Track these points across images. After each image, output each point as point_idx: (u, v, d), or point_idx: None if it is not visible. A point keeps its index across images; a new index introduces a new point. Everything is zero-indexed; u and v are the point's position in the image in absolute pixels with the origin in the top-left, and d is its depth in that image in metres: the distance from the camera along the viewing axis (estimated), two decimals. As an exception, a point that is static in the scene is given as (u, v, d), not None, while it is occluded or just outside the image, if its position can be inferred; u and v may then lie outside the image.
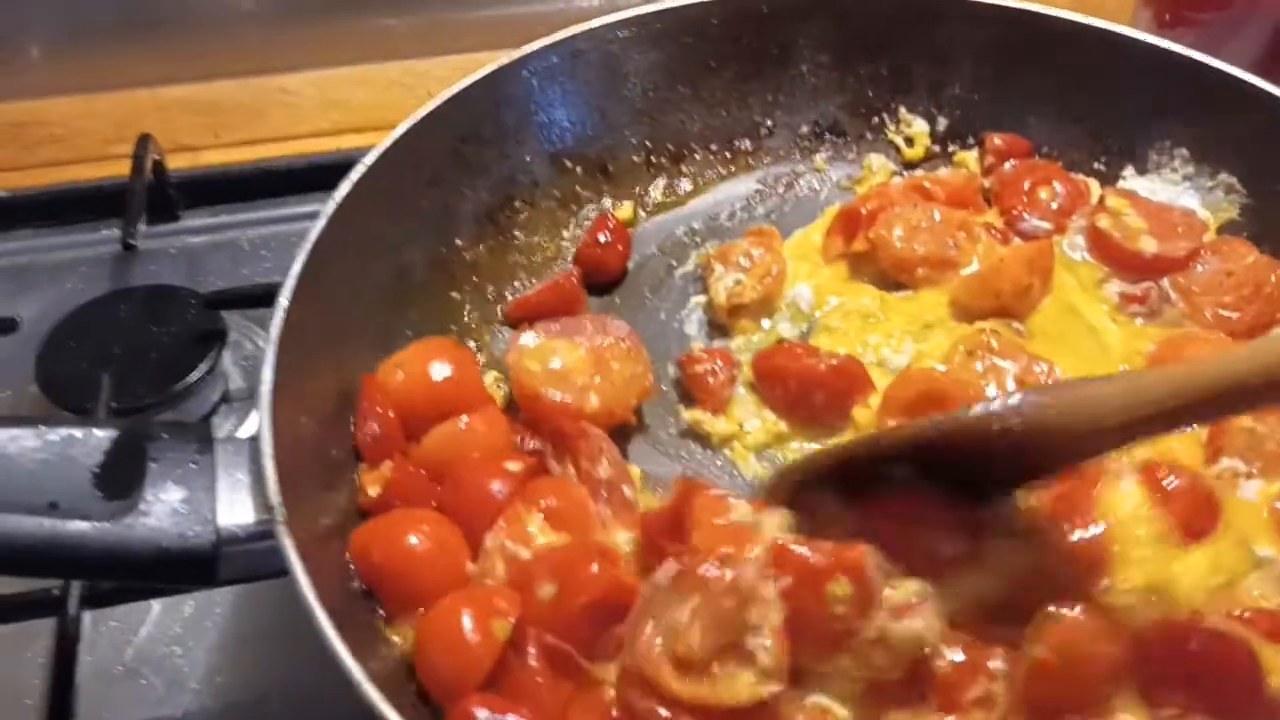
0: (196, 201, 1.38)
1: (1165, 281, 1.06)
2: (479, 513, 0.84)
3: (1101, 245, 1.09)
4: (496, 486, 0.85)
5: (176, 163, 1.40)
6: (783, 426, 0.97)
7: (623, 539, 0.85)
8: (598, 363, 0.96)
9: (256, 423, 0.79)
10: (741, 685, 0.71)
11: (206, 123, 1.50)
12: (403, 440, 0.92)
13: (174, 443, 0.78)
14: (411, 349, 0.97)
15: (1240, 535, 0.86)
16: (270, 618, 1.00)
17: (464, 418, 0.91)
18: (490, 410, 0.93)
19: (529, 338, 0.98)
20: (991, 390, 0.96)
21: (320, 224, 0.92)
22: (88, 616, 0.96)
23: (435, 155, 1.05)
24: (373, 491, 0.88)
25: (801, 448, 0.97)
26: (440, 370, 0.94)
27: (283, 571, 0.72)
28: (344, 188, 0.95)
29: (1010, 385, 0.95)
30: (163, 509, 0.75)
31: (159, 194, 1.35)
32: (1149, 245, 1.06)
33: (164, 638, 0.99)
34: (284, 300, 0.86)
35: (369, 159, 0.98)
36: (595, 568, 0.78)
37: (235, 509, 0.77)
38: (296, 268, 0.89)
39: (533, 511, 0.84)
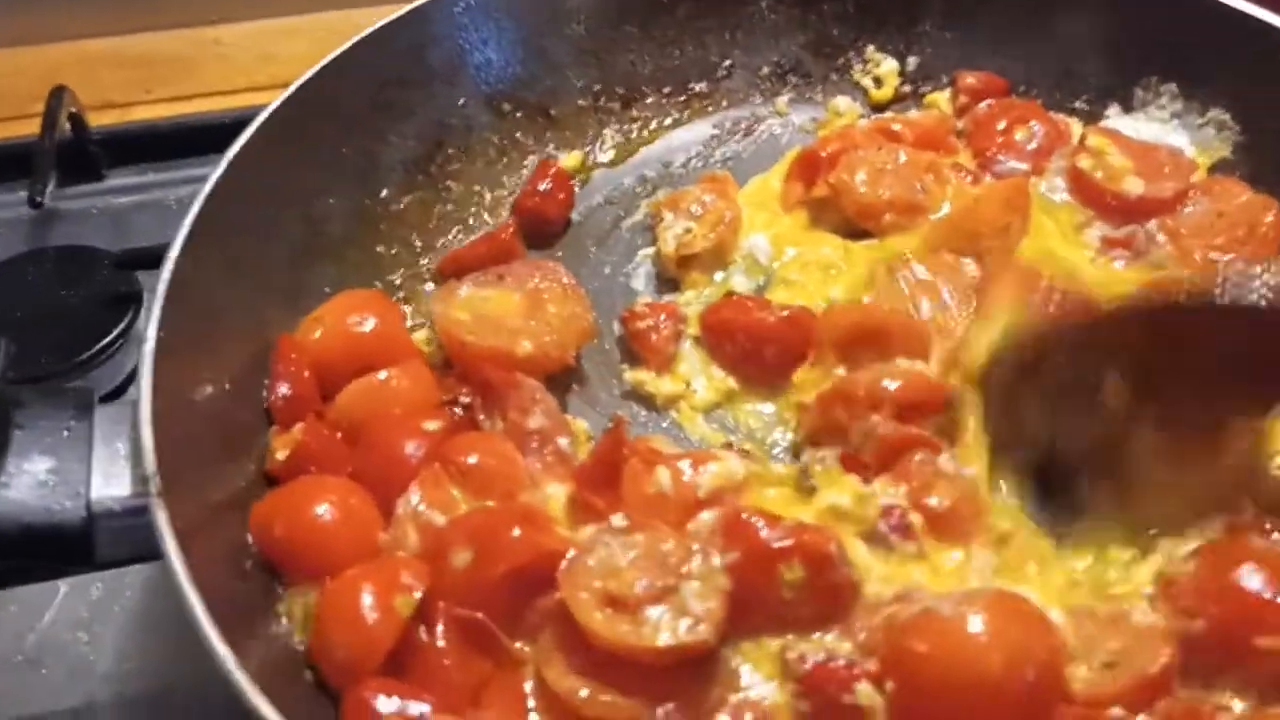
0: (122, 159, 1.30)
1: (1152, 224, 0.97)
2: (392, 477, 0.77)
3: (1083, 186, 1.00)
4: (411, 447, 0.78)
5: (104, 119, 1.32)
6: (732, 384, 0.90)
7: (556, 494, 0.78)
8: (532, 306, 0.90)
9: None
10: (668, 631, 0.66)
11: (136, 77, 1.42)
12: (318, 402, 0.85)
13: (45, 409, 0.71)
14: (333, 302, 0.90)
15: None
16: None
17: (384, 372, 0.83)
18: (414, 365, 0.86)
19: (458, 287, 0.91)
20: (924, 309, 0.88)
21: (219, 171, 0.86)
22: (-18, 601, 0.89)
23: (354, 99, 0.97)
24: (281, 455, 0.81)
25: (754, 409, 0.89)
26: (362, 324, 0.87)
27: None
28: (247, 133, 0.89)
29: (948, 300, 0.87)
30: (27, 480, 0.68)
31: (79, 152, 1.26)
32: (1134, 186, 0.98)
33: (69, 623, 0.92)
34: (174, 251, 0.79)
35: (276, 103, 0.91)
36: (517, 531, 0.70)
37: (111, 481, 0.70)
38: (190, 217, 0.82)
39: (451, 473, 0.76)
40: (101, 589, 0.93)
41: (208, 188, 0.83)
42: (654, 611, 0.67)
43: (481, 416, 0.83)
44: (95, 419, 0.72)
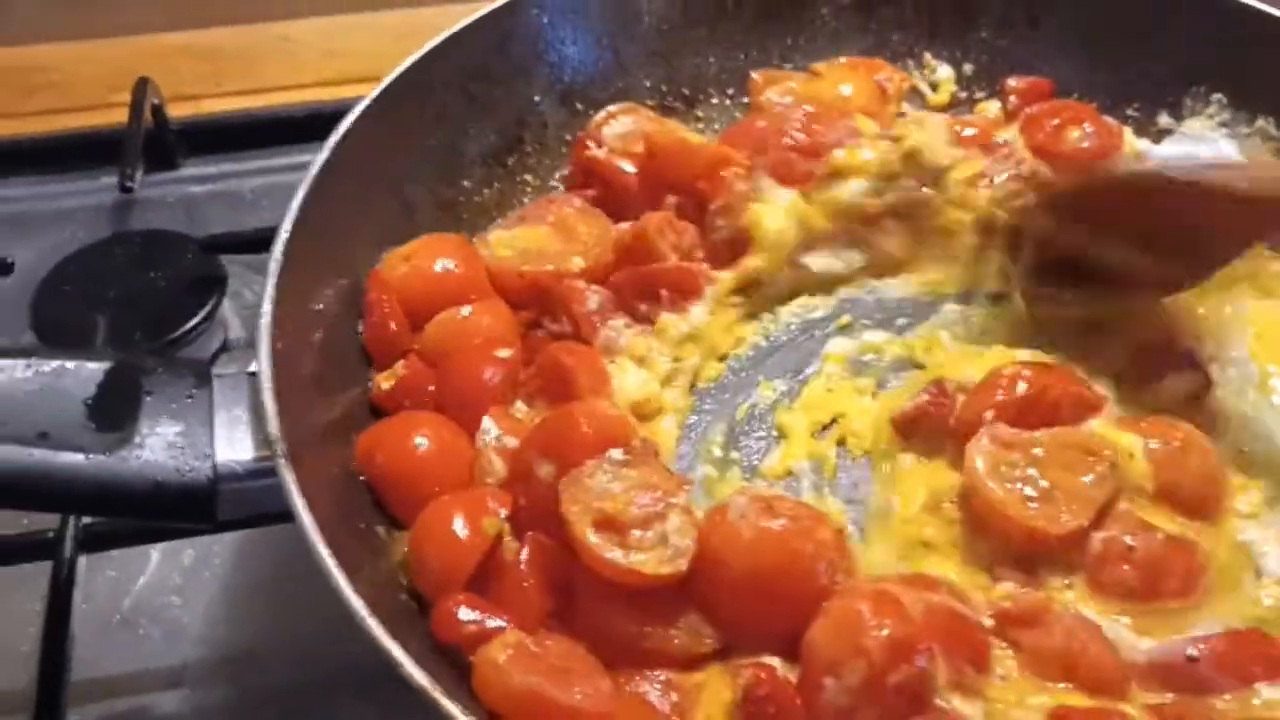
0: (197, 150, 1.35)
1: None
2: (472, 403, 0.83)
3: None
4: (488, 373, 0.85)
5: (177, 111, 1.37)
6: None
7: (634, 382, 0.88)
8: (562, 233, 0.98)
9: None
10: (649, 560, 0.71)
11: (208, 70, 1.47)
12: (409, 336, 0.90)
13: (170, 376, 0.76)
14: (417, 242, 0.95)
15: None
16: (270, 568, 0.97)
17: (466, 307, 0.90)
18: (494, 301, 0.92)
19: (486, 234, 0.99)
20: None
21: (323, 157, 0.90)
22: (84, 564, 0.93)
23: (442, 92, 1.01)
24: (386, 386, 0.87)
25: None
26: (445, 263, 0.93)
27: (282, 514, 0.69)
28: (348, 121, 0.93)
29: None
30: (158, 442, 0.72)
31: (158, 142, 1.31)
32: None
33: (162, 588, 0.97)
34: (284, 232, 0.83)
35: (375, 92, 0.96)
36: (585, 428, 0.76)
37: (234, 445, 0.74)
38: (298, 199, 0.86)
39: (537, 384, 0.85)
40: (192, 556, 0.98)
41: (314, 169, 0.87)
42: (639, 537, 0.72)
43: (554, 327, 0.91)
44: (213, 387, 0.77)
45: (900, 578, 0.75)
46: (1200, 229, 0.88)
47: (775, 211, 0.97)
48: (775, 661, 0.72)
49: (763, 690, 0.69)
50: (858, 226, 0.99)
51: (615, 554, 0.70)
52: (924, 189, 0.99)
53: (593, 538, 0.71)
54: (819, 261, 1.00)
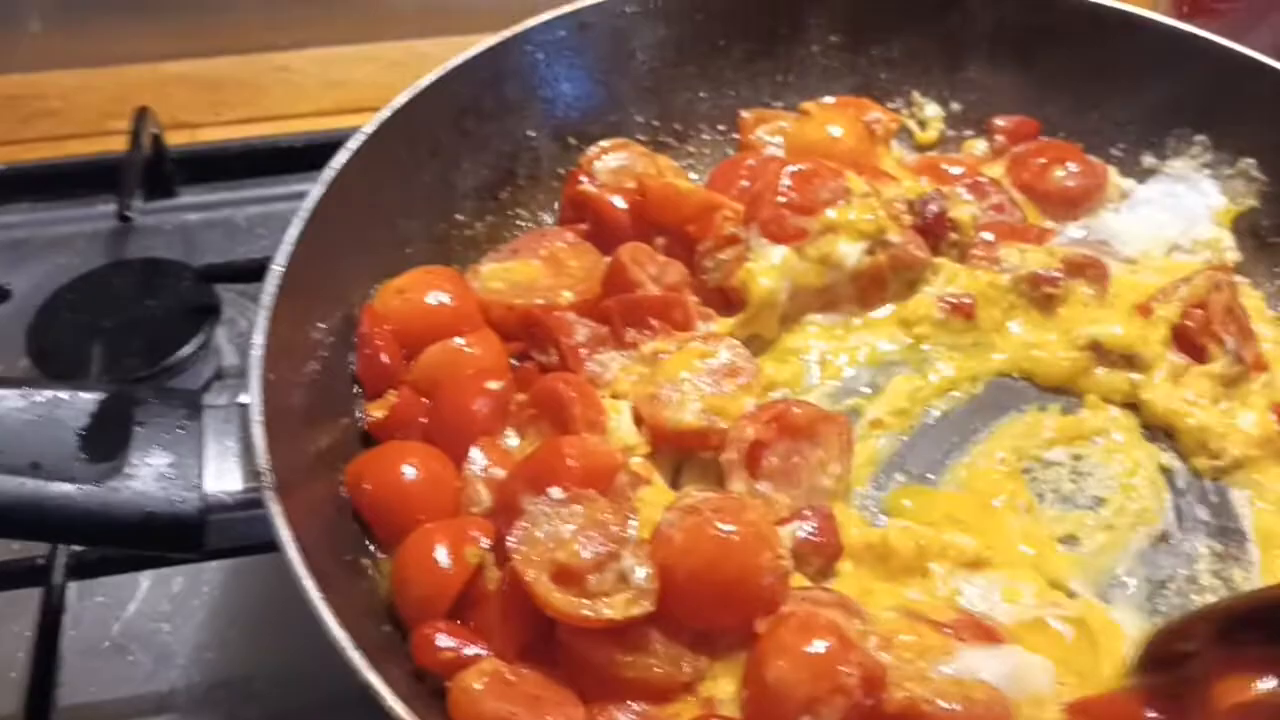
0: (194, 178, 1.36)
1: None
2: (462, 433, 0.84)
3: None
4: (478, 404, 0.86)
5: (175, 139, 1.39)
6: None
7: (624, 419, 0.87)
8: (553, 267, 0.99)
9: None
10: (617, 603, 0.71)
11: (206, 99, 1.48)
12: (402, 368, 0.91)
13: (162, 407, 0.76)
14: (410, 275, 0.96)
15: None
16: (258, 595, 0.98)
17: (458, 339, 0.91)
18: (485, 333, 0.93)
19: (479, 267, 1.00)
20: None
21: (318, 191, 0.90)
22: (74, 590, 0.94)
23: (436, 127, 1.03)
24: (378, 415, 0.88)
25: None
26: (437, 295, 0.94)
27: (269, 544, 0.70)
28: (343, 156, 0.94)
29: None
30: (149, 473, 0.73)
31: (156, 170, 1.33)
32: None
33: (152, 614, 0.97)
34: (278, 265, 0.84)
35: (369, 127, 0.96)
36: (571, 462, 0.76)
37: (223, 476, 0.75)
38: (293, 233, 0.86)
39: (529, 414, 0.86)
40: (182, 583, 0.99)
41: (309, 202, 0.88)
42: (599, 584, 0.72)
43: (539, 357, 0.92)
44: (204, 418, 0.78)
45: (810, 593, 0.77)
46: None
47: (769, 271, 0.96)
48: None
49: None
50: (848, 284, 0.99)
51: (586, 612, 0.70)
52: (913, 249, 1.00)
53: (558, 596, 0.71)
54: (818, 319, 1.00)
